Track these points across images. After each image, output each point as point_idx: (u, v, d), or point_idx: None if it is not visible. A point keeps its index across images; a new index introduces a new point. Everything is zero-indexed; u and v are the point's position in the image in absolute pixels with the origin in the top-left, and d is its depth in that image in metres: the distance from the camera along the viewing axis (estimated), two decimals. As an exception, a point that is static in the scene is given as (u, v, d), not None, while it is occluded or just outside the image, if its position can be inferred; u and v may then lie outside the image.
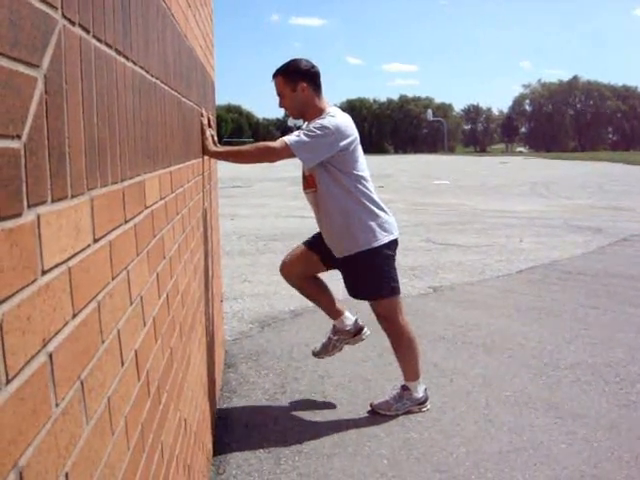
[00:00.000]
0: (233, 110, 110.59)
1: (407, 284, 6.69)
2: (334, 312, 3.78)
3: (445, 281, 6.92)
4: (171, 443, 1.74)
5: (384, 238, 3.40)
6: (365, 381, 4.03)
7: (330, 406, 3.70)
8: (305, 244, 3.70)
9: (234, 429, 3.43)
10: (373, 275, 3.45)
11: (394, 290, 3.50)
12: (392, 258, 3.49)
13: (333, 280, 3.82)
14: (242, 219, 12.35)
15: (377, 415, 3.55)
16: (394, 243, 3.48)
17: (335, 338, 3.82)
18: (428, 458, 3.07)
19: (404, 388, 3.61)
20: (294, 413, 3.61)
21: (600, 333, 4.94)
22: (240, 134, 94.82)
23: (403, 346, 3.59)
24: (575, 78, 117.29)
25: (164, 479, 1.59)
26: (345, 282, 3.58)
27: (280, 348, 4.67)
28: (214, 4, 4.31)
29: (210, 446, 3.07)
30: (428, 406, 3.63)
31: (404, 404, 3.57)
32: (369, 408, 3.62)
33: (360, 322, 3.82)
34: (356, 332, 3.80)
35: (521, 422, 3.42)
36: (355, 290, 3.56)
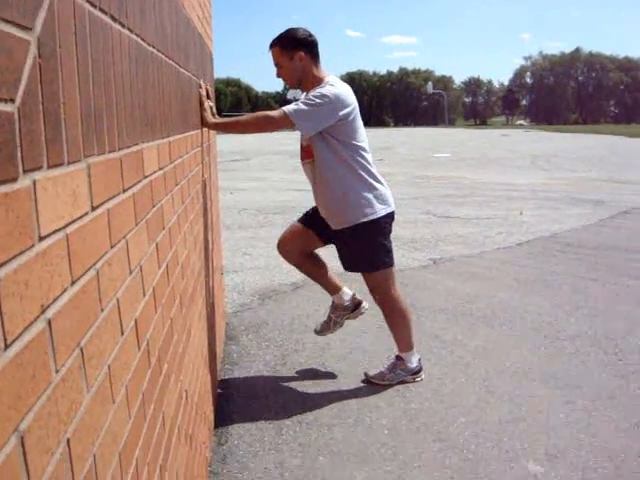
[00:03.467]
0: (232, 83, 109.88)
1: (407, 256, 6.71)
2: (332, 288, 3.79)
3: (445, 253, 6.92)
4: (172, 413, 1.75)
5: (381, 210, 3.40)
6: (365, 352, 4.05)
7: (330, 377, 3.72)
8: (300, 221, 3.70)
9: (235, 400, 3.45)
10: (368, 247, 3.45)
11: (388, 262, 3.51)
12: (388, 231, 3.49)
13: (330, 257, 3.81)
14: (242, 193, 12.33)
15: (374, 385, 3.58)
16: (390, 215, 3.48)
17: (335, 315, 3.84)
18: (428, 428, 3.10)
19: (398, 358, 3.65)
20: (295, 384, 3.63)
21: (600, 305, 4.95)
22: (239, 108, 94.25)
23: (396, 318, 3.61)
24: (577, 50, 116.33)
25: (166, 448, 1.60)
26: (340, 255, 3.58)
27: (281, 320, 4.69)
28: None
29: (212, 417, 3.10)
30: (422, 376, 3.66)
31: (398, 374, 3.61)
32: (363, 377, 3.66)
33: (358, 296, 3.83)
34: (355, 307, 3.82)
35: (520, 392, 3.45)
36: (350, 262, 3.56)
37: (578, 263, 6.37)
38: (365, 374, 3.67)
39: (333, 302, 3.84)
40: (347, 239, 3.46)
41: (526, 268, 6.24)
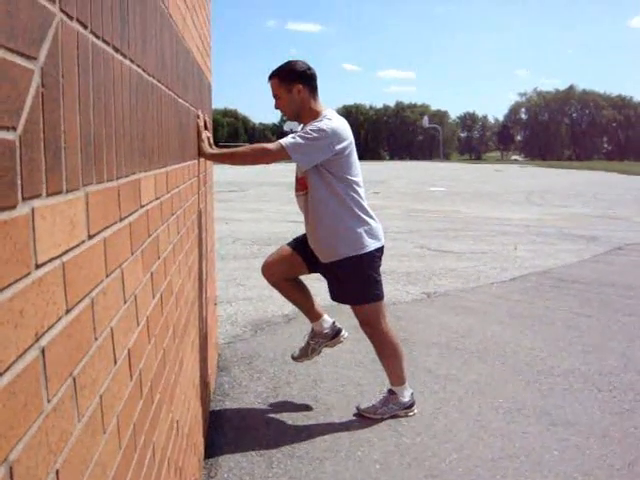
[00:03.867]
0: (229, 114, 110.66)
1: (401, 290, 6.70)
2: (313, 315, 3.79)
3: (439, 287, 6.92)
4: (163, 444, 1.73)
5: (371, 245, 3.41)
6: (358, 386, 4.03)
7: (322, 410, 3.69)
8: (290, 245, 3.70)
9: (226, 432, 3.42)
10: (357, 281, 3.45)
11: (377, 297, 3.50)
12: (377, 265, 3.49)
13: (315, 281, 3.80)
14: (237, 223, 12.34)
15: (365, 419, 3.56)
16: (380, 250, 3.49)
17: (313, 342, 3.83)
18: (420, 463, 3.07)
19: (390, 392, 3.63)
20: (286, 417, 3.60)
21: (593, 341, 4.95)
22: (236, 138, 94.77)
23: (387, 351, 3.60)
24: (571, 87, 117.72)
25: (155, 480, 1.58)
26: (329, 286, 3.58)
27: (273, 352, 4.66)
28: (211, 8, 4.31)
29: (202, 448, 3.06)
30: (415, 410, 3.63)
31: (390, 408, 3.59)
32: (355, 411, 3.63)
33: (338, 325, 3.82)
34: (334, 335, 3.81)
35: (513, 429, 3.42)
36: (338, 295, 3.57)
37: (572, 299, 6.38)
38: (357, 407, 3.65)
39: (313, 329, 3.83)
40: (336, 272, 3.46)
41: (520, 303, 6.24)
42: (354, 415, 3.61)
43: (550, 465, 3.03)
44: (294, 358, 3.93)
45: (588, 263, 8.49)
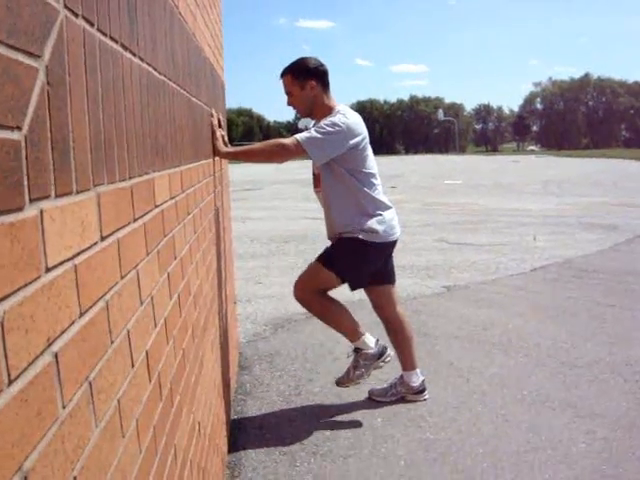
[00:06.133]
0: (244, 113, 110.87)
1: (420, 284, 6.65)
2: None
3: (459, 280, 6.86)
4: (185, 446, 1.72)
5: (387, 237, 3.43)
6: (380, 381, 3.98)
7: (345, 407, 3.66)
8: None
9: (249, 431, 3.40)
10: (349, 256, 3.42)
11: (348, 277, 3.48)
12: (379, 258, 3.50)
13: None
14: (254, 222, 12.34)
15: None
16: (393, 244, 3.53)
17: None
18: (445, 459, 3.03)
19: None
20: (309, 415, 3.58)
21: (618, 331, 4.87)
22: (251, 137, 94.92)
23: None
24: (587, 75, 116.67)
25: (178, 483, 1.56)
26: (324, 251, 3.53)
27: (294, 350, 4.64)
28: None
29: (225, 449, 3.05)
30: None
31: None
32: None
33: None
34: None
35: (539, 421, 3.37)
36: (328, 258, 3.48)
37: (594, 289, 6.30)
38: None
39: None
40: (339, 243, 3.46)
41: (541, 294, 6.18)
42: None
43: (577, 457, 2.98)
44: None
45: (609, 252, 8.38)
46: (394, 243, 3.51)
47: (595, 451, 3.04)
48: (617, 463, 2.91)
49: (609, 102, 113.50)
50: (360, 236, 3.36)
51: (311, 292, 3.48)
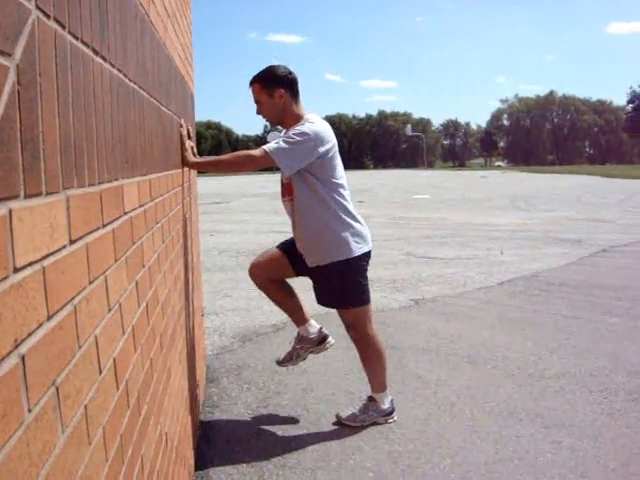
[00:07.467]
0: (213, 126, 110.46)
1: (388, 297, 6.68)
2: (299, 319, 3.73)
3: (427, 294, 6.91)
4: (152, 457, 1.69)
5: (357, 250, 3.39)
6: (348, 394, 3.99)
7: (313, 419, 3.65)
8: (278, 247, 3.67)
9: (216, 444, 3.37)
10: (344, 286, 3.44)
11: (363, 301, 3.49)
12: (364, 269, 3.48)
13: (305, 291, 3.77)
14: (222, 235, 12.29)
15: (346, 427, 3.53)
16: (367, 255, 3.48)
17: (299, 347, 3.77)
18: (413, 470, 3.03)
19: (370, 399, 3.61)
20: (277, 427, 3.56)
21: (583, 343, 4.95)
22: (220, 151, 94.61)
23: (371, 357, 3.59)
24: (551, 93, 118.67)
25: (145, 494, 1.54)
26: (315, 290, 3.57)
27: (262, 362, 4.62)
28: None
29: (192, 461, 3.01)
30: (395, 417, 3.61)
31: (370, 415, 3.57)
32: (335, 420, 3.62)
33: (325, 331, 3.77)
34: (320, 341, 3.75)
35: (506, 432, 3.40)
36: (324, 298, 3.55)
37: (560, 302, 6.38)
38: (337, 416, 3.63)
39: (299, 333, 3.77)
40: (322, 276, 3.45)
41: (508, 307, 6.24)
42: (333, 424, 3.58)
43: (544, 468, 3.01)
44: (278, 362, 3.88)
45: (574, 266, 8.51)
46: (368, 255, 3.49)
47: (561, 461, 3.07)
48: (583, 472, 2.95)
49: (573, 119, 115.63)
50: (343, 257, 3.35)
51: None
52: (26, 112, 0.77)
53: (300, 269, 3.54)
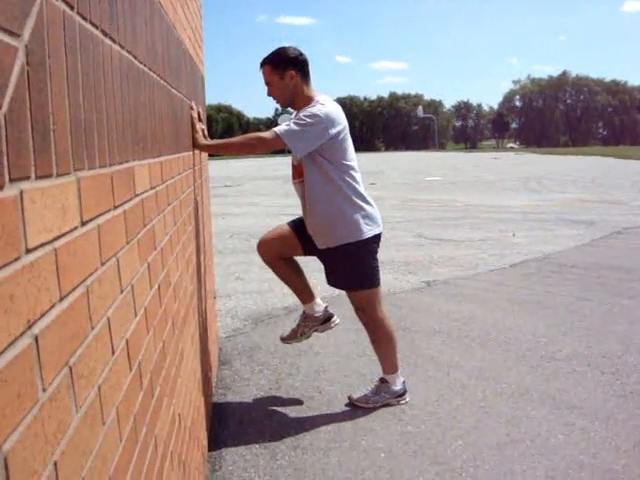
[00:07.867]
0: (224, 110, 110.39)
1: (400, 279, 6.68)
2: (305, 297, 3.73)
3: (439, 276, 6.90)
4: (165, 438, 1.71)
5: (368, 232, 3.38)
6: (361, 376, 4.00)
7: (325, 401, 3.67)
8: (289, 225, 3.67)
9: (229, 425, 3.40)
10: (354, 268, 3.44)
11: (373, 283, 3.49)
12: (374, 251, 3.48)
13: (319, 272, 3.77)
14: (234, 218, 12.31)
15: (359, 408, 3.55)
16: (377, 237, 3.47)
17: (304, 325, 3.78)
18: (425, 451, 3.05)
19: (382, 381, 3.63)
20: (289, 408, 3.58)
21: (595, 325, 4.93)
22: (231, 134, 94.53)
23: (381, 339, 3.60)
24: (564, 73, 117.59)
25: (158, 474, 1.56)
26: (326, 271, 3.57)
27: (274, 344, 4.63)
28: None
29: (205, 442, 3.04)
30: (407, 399, 3.62)
31: (382, 397, 3.59)
32: (347, 401, 3.63)
33: (330, 310, 3.78)
34: (325, 319, 3.76)
35: (518, 414, 3.40)
36: (334, 280, 3.56)
37: (572, 283, 6.36)
38: (349, 397, 3.65)
39: (304, 311, 3.78)
40: (332, 258, 3.46)
41: (520, 289, 6.22)
42: (345, 405, 3.60)
43: (556, 449, 3.01)
44: (282, 339, 3.90)
45: (587, 248, 8.47)
46: (378, 237, 3.49)
47: (573, 442, 3.07)
48: (595, 453, 2.95)
49: (587, 100, 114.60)
50: (353, 239, 3.35)
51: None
52: (36, 93, 0.77)
53: (310, 250, 3.55)
